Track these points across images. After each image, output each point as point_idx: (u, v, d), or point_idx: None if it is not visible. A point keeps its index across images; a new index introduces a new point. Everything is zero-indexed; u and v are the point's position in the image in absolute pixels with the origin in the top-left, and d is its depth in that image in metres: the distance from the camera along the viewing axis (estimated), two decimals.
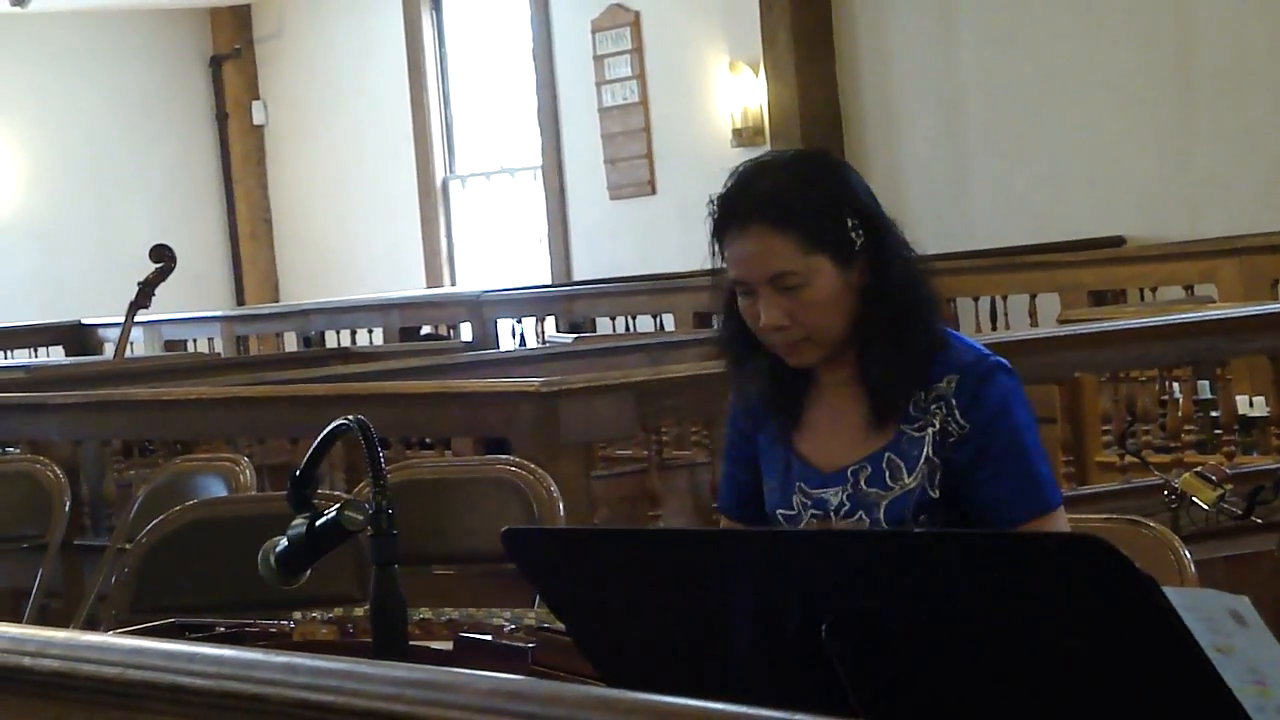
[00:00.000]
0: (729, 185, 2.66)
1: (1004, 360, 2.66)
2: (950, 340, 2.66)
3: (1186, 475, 4.30)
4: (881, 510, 2.62)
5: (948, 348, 2.64)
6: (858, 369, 2.65)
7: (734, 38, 11.19)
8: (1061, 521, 2.64)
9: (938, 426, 2.61)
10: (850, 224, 2.62)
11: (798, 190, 2.61)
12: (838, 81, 10.78)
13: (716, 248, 2.65)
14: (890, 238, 2.66)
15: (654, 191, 11.71)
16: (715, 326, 2.77)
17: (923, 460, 2.61)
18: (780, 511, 2.69)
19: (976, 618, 1.59)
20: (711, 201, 2.66)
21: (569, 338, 8.76)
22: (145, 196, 14.45)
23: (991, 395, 2.61)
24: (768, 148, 10.77)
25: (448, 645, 2.57)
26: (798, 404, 2.70)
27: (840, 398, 2.68)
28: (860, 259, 2.62)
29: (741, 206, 2.62)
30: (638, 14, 11.84)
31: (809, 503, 2.67)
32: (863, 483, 2.64)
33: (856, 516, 2.64)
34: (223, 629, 2.75)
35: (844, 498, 2.65)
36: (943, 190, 10.44)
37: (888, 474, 2.63)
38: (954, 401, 2.60)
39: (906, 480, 2.62)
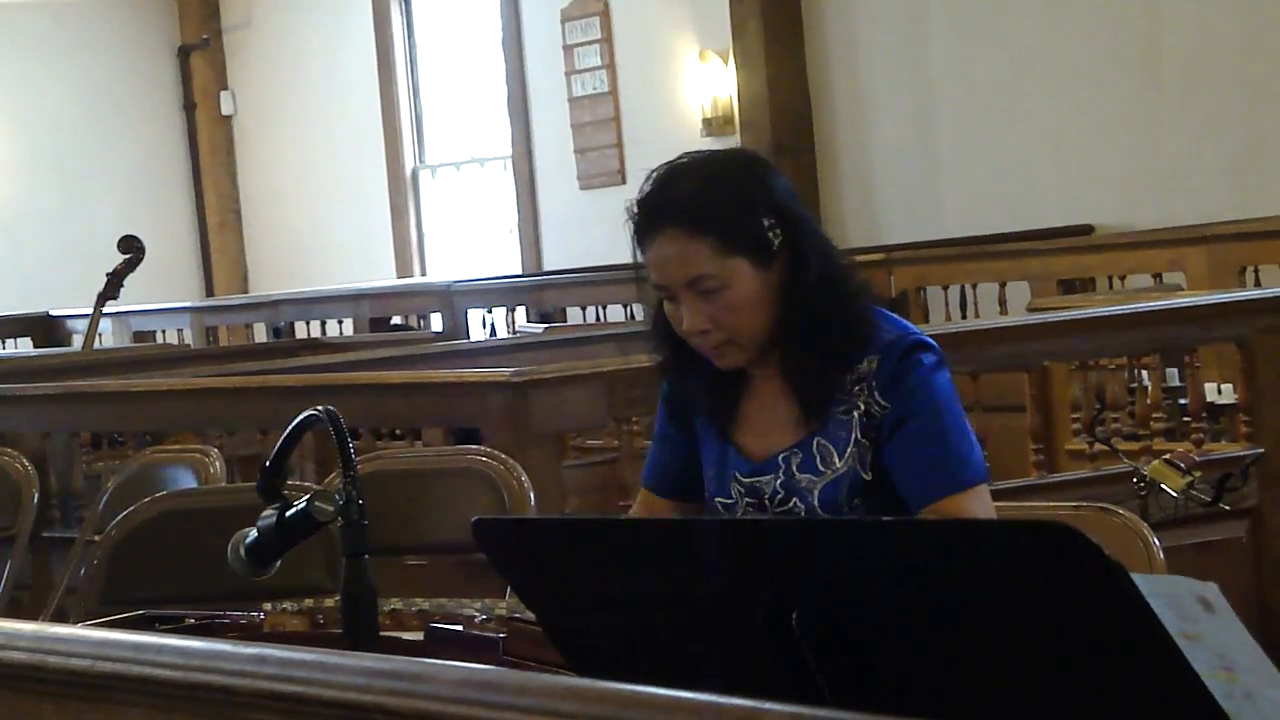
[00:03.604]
0: (645, 190, 2.65)
1: (926, 338, 2.66)
2: (876, 322, 2.66)
3: (1155, 463, 4.31)
4: (815, 496, 2.63)
5: (873, 328, 2.64)
6: (781, 366, 2.65)
7: (703, 27, 11.19)
8: (979, 501, 2.62)
9: (862, 408, 2.62)
10: (767, 224, 2.61)
11: (713, 193, 2.61)
12: (807, 71, 10.79)
13: (637, 251, 2.65)
14: (808, 236, 2.65)
15: (624, 181, 11.70)
16: (647, 334, 2.75)
17: (851, 443, 2.62)
18: (719, 500, 2.71)
19: (946, 605, 1.60)
20: (630, 206, 2.65)
21: (539, 328, 8.76)
22: (113, 187, 14.40)
23: (908, 373, 2.60)
24: (737, 137, 10.78)
25: (418, 636, 2.57)
26: (732, 398, 2.71)
27: (771, 389, 2.69)
28: (779, 258, 2.61)
29: (657, 211, 2.62)
30: (607, 3, 11.84)
31: (744, 490, 2.68)
32: (795, 469, 2.65)
33: (791, 503, 2.65)
34: (192, 620, 2.74)
35: (777, 485, 2.66)
36: (912, 179, 10.46)
37: (819, 459, 2.64)
38: (874, 382, 2.61)
39: (837, 464, 2.63)
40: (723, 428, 2.71)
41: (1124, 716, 1.55)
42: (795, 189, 2.72)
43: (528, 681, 1.40)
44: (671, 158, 2.70)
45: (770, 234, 2.61)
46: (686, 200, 2.60)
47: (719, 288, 2.59)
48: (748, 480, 2.68)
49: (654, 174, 2.67)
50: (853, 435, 2.62)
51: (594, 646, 1.89)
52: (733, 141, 10.75)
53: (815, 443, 2.64)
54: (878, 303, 2.72)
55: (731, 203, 2.61)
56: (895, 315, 2.74)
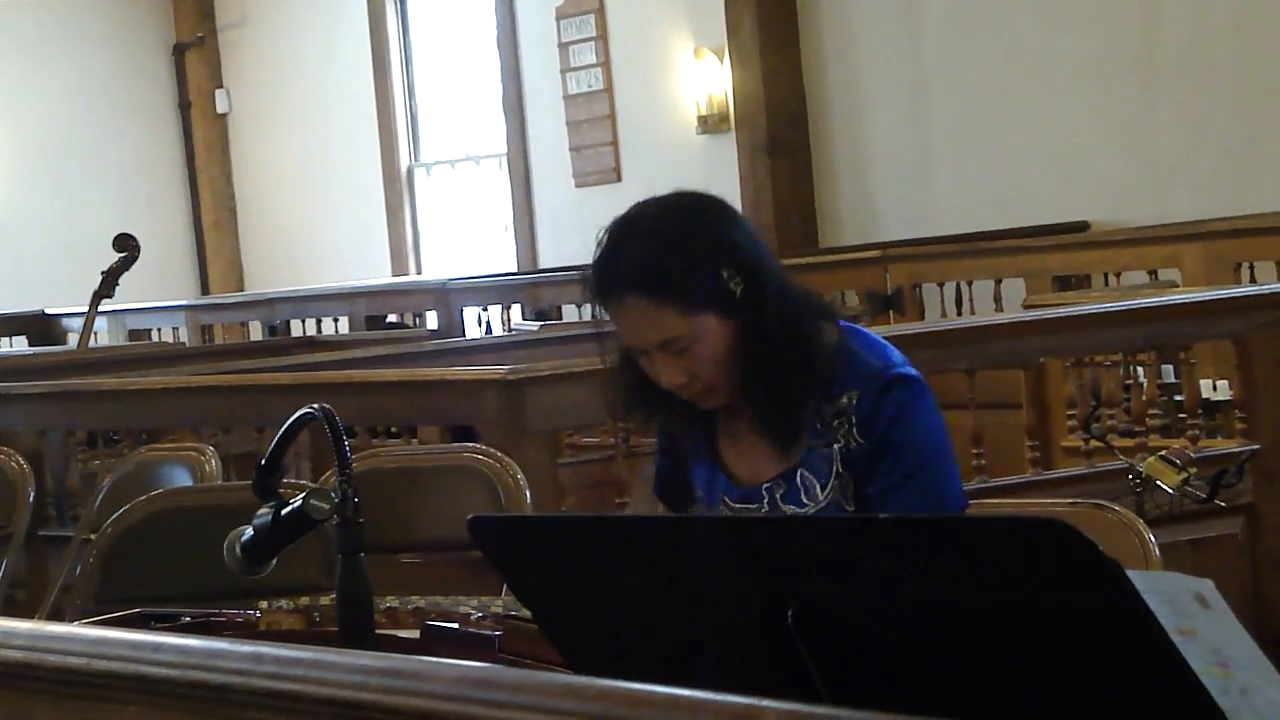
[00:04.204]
0: (598, 255, 2.64)
1: (908, 371, 2.66)
2: (855, 350, 2.66)
3: (1151, 459, 4.32)
4: None
5: (851, 360, 2.64)
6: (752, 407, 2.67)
7: (699, 25, 11.19)
8: None
9: (842, 442, 2.63)
10: (726, 275, 2.60)
11: (669, 254, 2.59)
12: (802, 68, 10.78)
13: (599, 310, 2.65)
14: (765, 274, 2.65)
15: (619, 179, 11.70)
16: (611, 380, 2.74)
17: (833, 476, 2.64)
18: None
19: (941, 602, 1.60)
20: (586, 273, 2.65)
21: (535, 325, 8.75)
22: (108, 185, 14.39)
23: (886, 410, 2.62)
24: (733, 134, 10.77)
25: (414, 634, 2.57)
26: (712, 423, 2.73)
27: (753, 419, 2.70)
28: (743, 303, 2.61)
29: (614, 280, 2.62)
30: (602, 1, 11.83)
31: (732, 515, 2.69)
32: (779, 499, 2.67)
33: None
34: (188, 619, 2.74)
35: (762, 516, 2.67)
36: (908, 176, 10.46)
37: (802, 491, 2.66)
38: (853, 417, 2.62)
39: (820, 496, 2.65)
40: (709, 451, 2.73)
41: (1120, 713, 1.56)
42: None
43: (524, 679, 1.40)
44: (606, 229, 2.66)
45: (731, 284, 2.61)
46: (643, 266, 2.59)
47: (689, 344, 2.60)
48: (737, 506, 2.71)
49: (605, 235, 2.65)
50: (834, 469, 2.64)
51: (590, 644, 1.89)
52: (729, 139, 10.75)
53: (799, 475, 2.66)
54: (842, 317, 2.73)
55: (689, 262, 2.59)
56: (879, 340, 2.73)
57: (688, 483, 2.78)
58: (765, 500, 2.68)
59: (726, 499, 2.71)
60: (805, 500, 2.65)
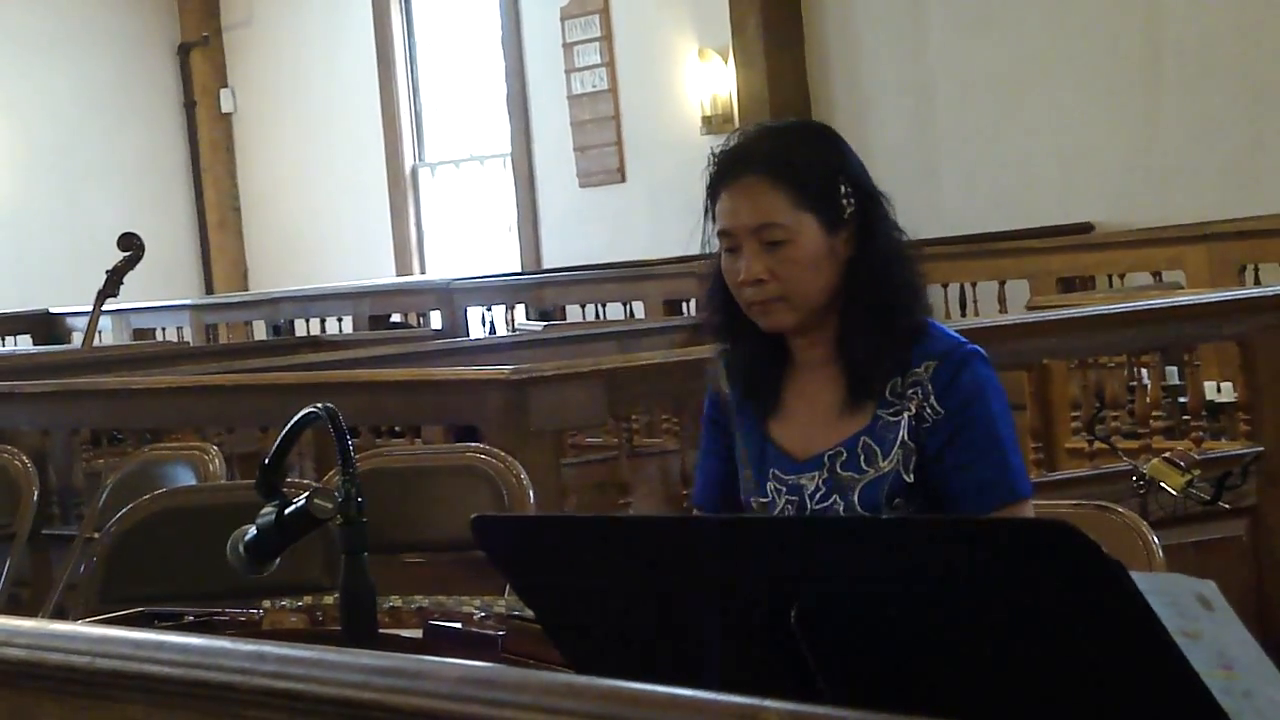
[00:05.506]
0: (729, 141, 2.73)
1: (980, 349, 2.70)
2: (929, 328, 2.70)
3: (1155, 461, 4.32)
4: (856, 494, 2.65)
5: (926, 335, 2.68)
6: (835, 348, 2.68)
7: (703, 25, 11.19)
8: (1028, 512, 2.66)
9: (913, 411, 2.64)
10: (843, 190, 2.68)
11: (796, 150, 2.69)
12: (807, 68, 10.78)
13: (708, 203, 2.70)
14: (881, 216, 2.72)
15: (624, 179, 11.70)
16: (702, 299, 2.81)
17: (898, 445, 2.64)
18: (755, 499, 2.71)
19: (944, 603, 1.60)
20: (711, 152, 2.72)
21: (539, 325, 8.76)
22: (113, 185, 14.39)
23: (966, 382, 2.64)
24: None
25: (417, 633, 2.57)
26: (775, 387, 2.72)
27: (816, 381, 2.70)
28: (847, 228, 2.67)
29: (742, 159, 2.69)
30: (607, 1, 11.83)
31: (784, 489, 2.69)
32: (838, 467, 2.67)
33: (831, 500, 2.66)
34: (192, 618, 2.75)
35: (819, 483, 2.68)
36: (912, 177, 10.44)
37: (863, 458, 2.66)
38: (930, 387, 2.64)
39: (882, 464, 2.65)
40: (762, 422, 2.72)
41: (1123, 715, 1.55)
42: None
43: (526, 679, 1.40)
44: (740, 128, 2.81)
45: (844, 201, 2.67)
46: (770, 152, 2.68)
47: (784, 240, 2.63)
48: (789, 479, 2.69)
49: (738, 130, 2.77)
50: (900, 437, 2.64)
51: (593, 644, 1.89)
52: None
53: (861, 441, 2.66)
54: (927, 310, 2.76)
55: (813, 162, 2.68)
56: (945, 326, 2.77)
57: (732, 483, 2.77)
58: (825, 468, 2.66)
59: (777, 473, 2.70)
60: (865, 467, 2.65)
